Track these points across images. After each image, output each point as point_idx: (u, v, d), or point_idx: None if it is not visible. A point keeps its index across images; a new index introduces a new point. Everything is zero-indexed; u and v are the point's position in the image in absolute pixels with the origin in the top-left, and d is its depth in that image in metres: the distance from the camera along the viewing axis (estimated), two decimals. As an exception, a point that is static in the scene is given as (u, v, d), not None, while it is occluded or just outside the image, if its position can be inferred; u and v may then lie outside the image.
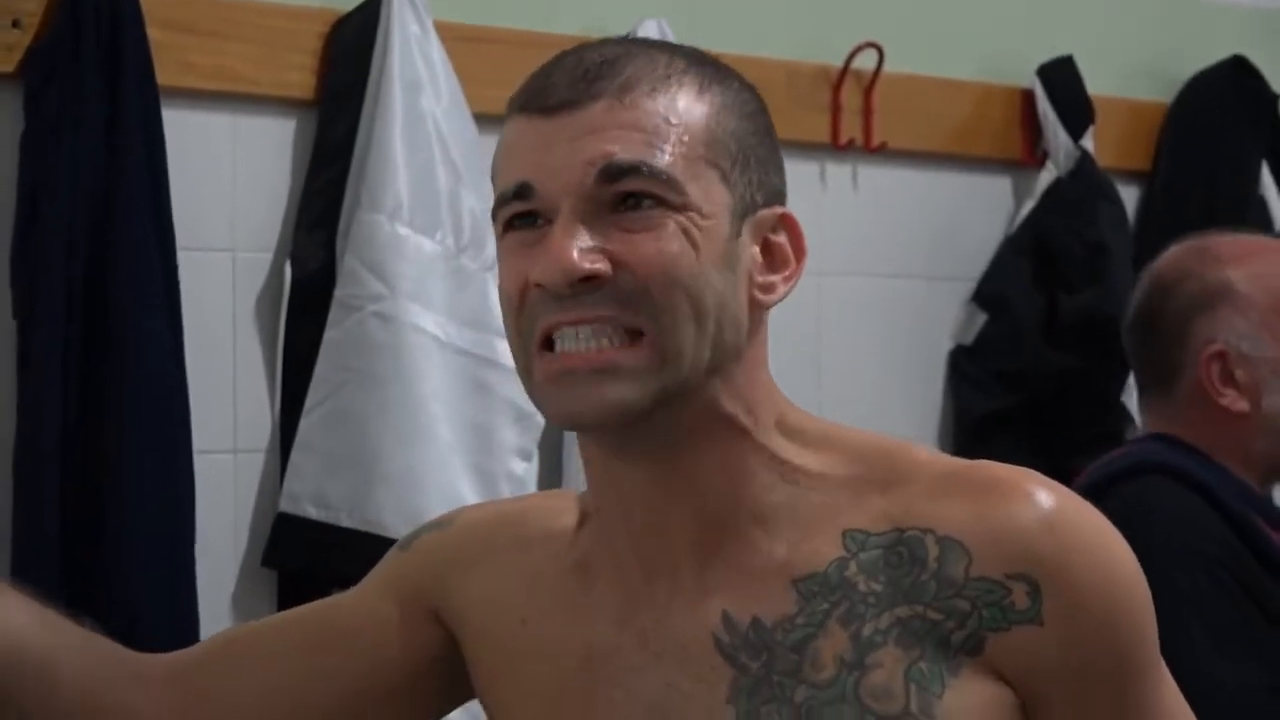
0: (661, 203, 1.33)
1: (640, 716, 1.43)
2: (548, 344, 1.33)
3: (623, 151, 1.33)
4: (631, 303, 1.33)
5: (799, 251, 1.43)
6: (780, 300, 1.42)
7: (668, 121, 1.35)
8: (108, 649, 1.58)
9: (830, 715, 1.37)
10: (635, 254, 1.33)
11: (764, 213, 1.40)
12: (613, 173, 1.32)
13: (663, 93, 1.35)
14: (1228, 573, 2.54)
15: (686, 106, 1.36)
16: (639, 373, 1.32)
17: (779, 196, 1.44)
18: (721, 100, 1.38)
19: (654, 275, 1.33)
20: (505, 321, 1.39)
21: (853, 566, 1.39)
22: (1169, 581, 2.41)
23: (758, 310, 1.41)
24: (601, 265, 1.31)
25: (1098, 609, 1.37)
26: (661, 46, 1.40)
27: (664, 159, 1.34)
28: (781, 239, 1.43)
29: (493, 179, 1.39)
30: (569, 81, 1.34)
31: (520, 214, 1.35)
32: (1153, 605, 1.42)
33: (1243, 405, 2.62)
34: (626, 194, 1.33)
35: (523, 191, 1.34)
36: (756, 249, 1.40)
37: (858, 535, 1.40)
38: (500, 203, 1.36)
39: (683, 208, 1.33)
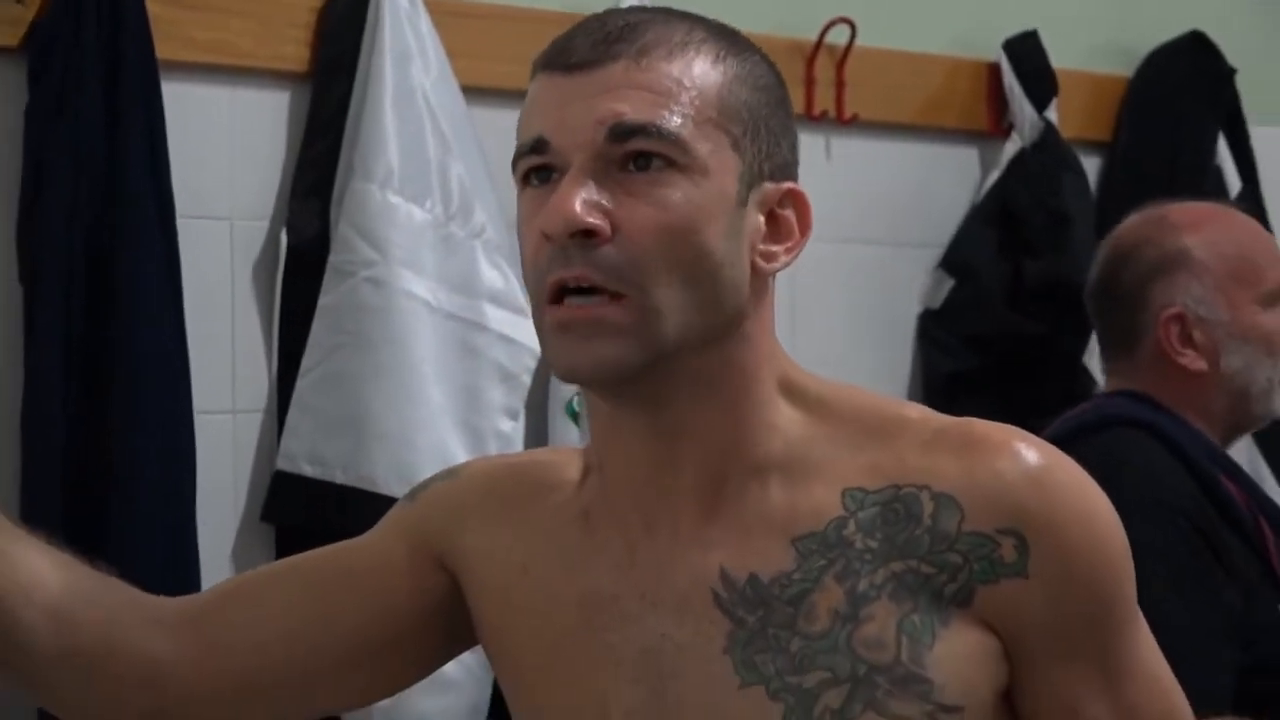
0: (671, 164, 1.34)
1: (634, 664, 1.45)
2: (556, 298, 1.34)
3: (633, 112, 1.34)
4: (617, 272, 1.33)
5: (804, 226, 1.44)
6: (780, 269, 1.43)
7: (681, 85, 1.36)
8: (125, 593, 1.59)
9: (823, 664, 1.39)
10: (632, 221, 1.34)
11: (770, 186, 1.41)
12: (622, 132, 1.34)
13: (679, 57, 1.37)
14: (1190, 524, 2.55)
15: (702, 72, 1.37)
16: (626, 330, 1.33)
17: (789, 170, 1.45)
18: (737, 70, 1.39)
19: (645, 245, 1.34)
20: (524, 277, 1.41)
21: (851, 525, 1.41)
22: (1140, 533, 2.51)
23: (759, 276, 1.42)
24: (600, 222, 1.32)
25: (1082, 563, 1.41)
26: (685, 16, 1.42)
27: (674, 121, 1.35)
28: (788, 212, 1.43)
29: (517, 134, 1.40)
30: (590, 43, 1.36)
31: (536, 167, 1.37)
32: (1131, 558, 1.47)
33: (1201, 365, 2.64)
34: (636, 153, 1.35)
35: (538, 146, 1.36)
36: (762, 218, 1.41)
37: (857, 494, 1.42)
38: (518, 155, 1.39)
39: (690, 169, 1.35)
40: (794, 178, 1.45)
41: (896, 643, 1.38)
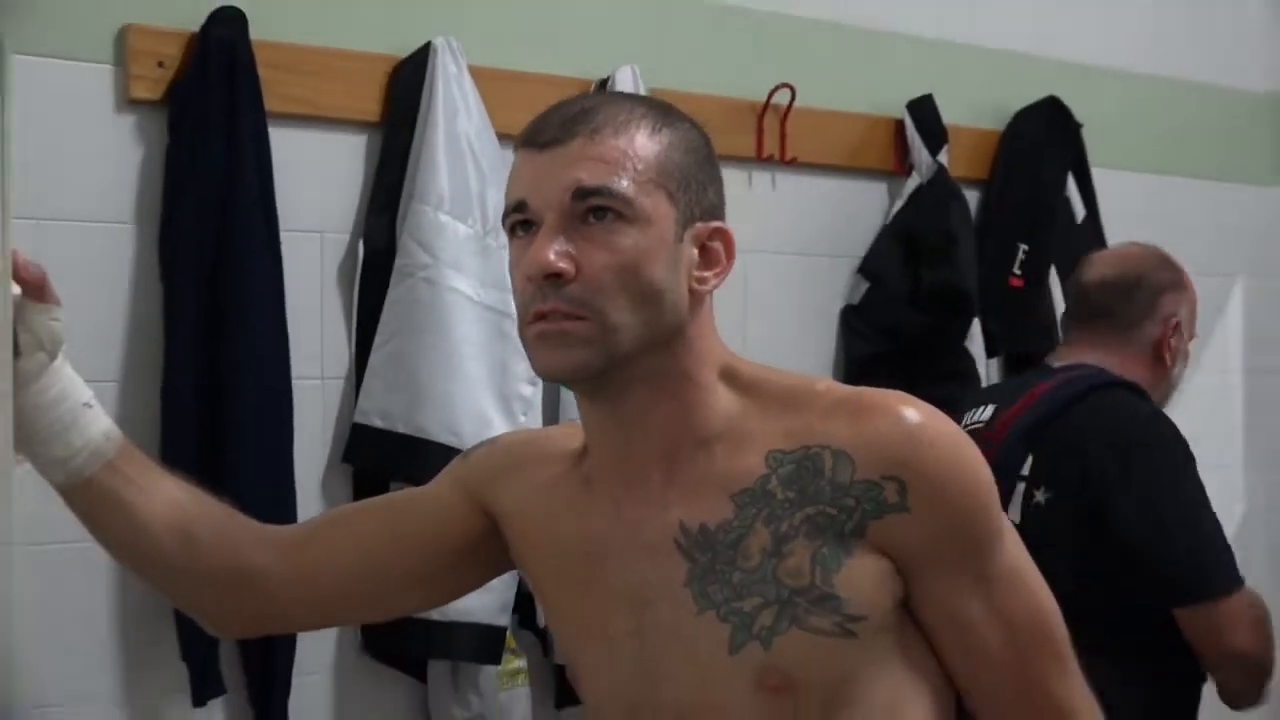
0: (620, 216, 1.37)
1: (623, 595, 1.48)
2: (536, 320, 1.38)
3: (590, 178, 1.37)
4: (580, 302, 1.36)
5: (729, 255, 1.46)
6: (713, 289, 1.45)
7: (626, 154, 1.38)
8: (240, 519, 1.61)
9: (757, 591, 1.40)
10: (592, 263, 1.37)
11: (701, 225, 1.43)
12: (582, 193, 1.37)
13: (624, 133, 1.39)
14: (1189, 454, 2.59)
15: (642, 143, 1.39)
16: (588, 340, 1.36)
17: (716, 211, 1.46)
18: (670, 138, 1.42)
19: (602, 280, 1.37)
20: (515, 303, 1.44)
21: (773, 480, 1.42)
22: (1168, 429, 2.60)
23: (696, 295, 1.43)
24: (567, 266, 1.36)
25: (950, 498, 1.41)
26: (630, 98, 1.51)
27: (622, 183, 1.37)
28: (716, 244, 1.44)
29: (505, 197, 1.43)
30: (556, 125, 1.40)
31: (519, 222, 1.40)
32: (995, 488, 1.46)
33: (1169, 362, 2.69)
34: (593, 208, 1.37)
35: (520, 207, 1.40)
36: (695, 251, 1.42)
37: (777, 455, 1.42)
38: (506, 213, 1.42)
39: (635, 219, 1.37)
40: (721, 217, 1.48)
41: (812, 571, 1.39)
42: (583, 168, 1.38)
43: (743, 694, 1.39)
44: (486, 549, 1.61)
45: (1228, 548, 2.52)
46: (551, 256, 1.36)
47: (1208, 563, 2.50)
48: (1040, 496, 2.55)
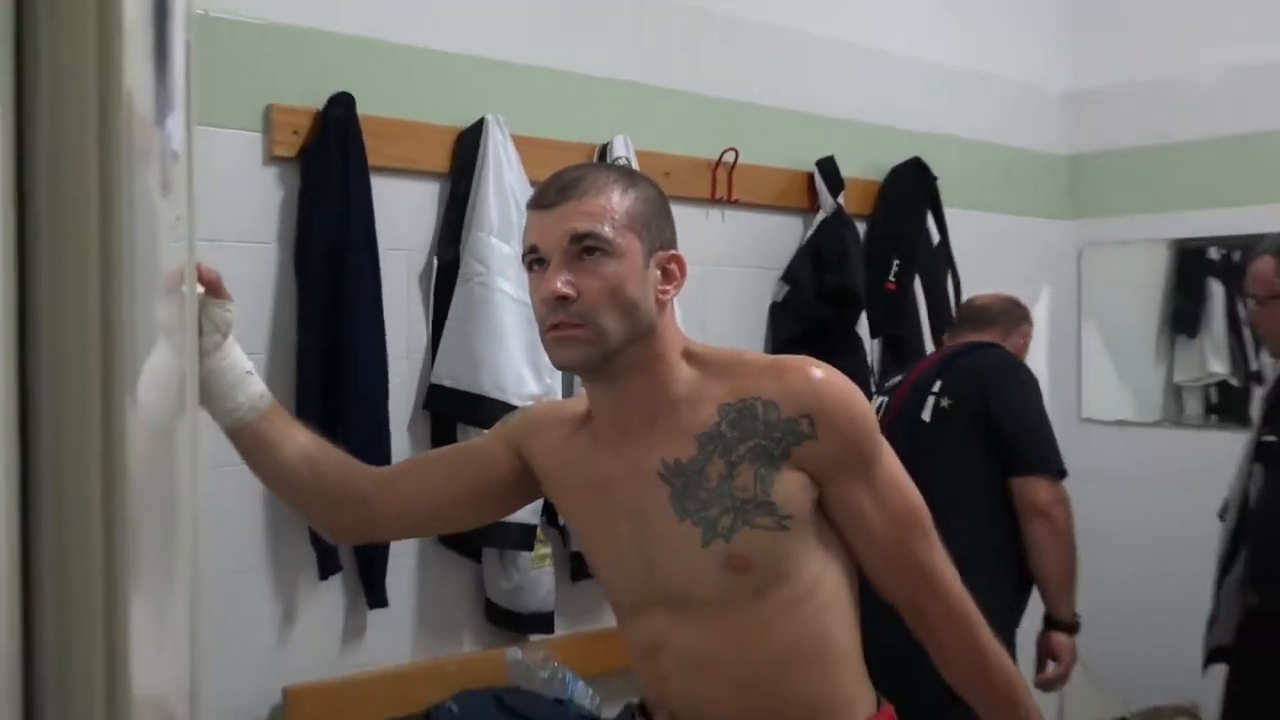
0: (605, 253, 1.41)
1: (624, 511, 1.52)
2: (551, 329, 1.42)
3: (582, 226, 1.41)
4: (581, 316, 1.40)
5: (682, 273, 1.50)
6: (672, 298, 1.49)
7: (605, 209, 1.41)
8: (353, 461, 1.65)
9: (717, 503, 1.45)
10: (587, 287, 1.40)
11: (661, 253, 1.46)
12: (577, 238, 1.41)
13: (603, 194, 1.42)
14: None
15: (616, 200, 1.42)
16: (587, 343, 1.41)
17: (671, 243, 1.49)
18: (635, 194, 1.44)
19: (595, 300, 1.40)
20: (535, 316, 1.47)
21: (724, 424, 1.46)
22: (1031, 379, 2.76)
23: (660, 304, 1.46)
24: (570, 291, 1.39)
25: (844, 428, 1.46)
26: (606, 167, 1.50)
27: (604, 229, 1.40)
28: (673, 266, 1.48)
29: (522, 242, 1.47)
30: (554, 191, 1.43)
31: (534, 260, 1.43)
32: (875, 421, 1.51)
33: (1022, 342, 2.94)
34: (585, 248, 1.40)
35: (533, 249, 1.43)
36: (658, 272, 1.46)
37: (725, 407, 1.47)
38: (524, 254, 1.45)
39: (615, 254, 1.41)
40: (674, 246, 1.50)
41: (755, 486, 1.44)
42: (576, 220, 1.40)
43: (714, 573, 1.43)
44: (523, 484, 1.65)
45: (1057, 449, 2.66)
46: (559, 285, 1.39)
47: (1043, 451, 2.65)
48: (945, 403, 2.69)
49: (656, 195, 1.49)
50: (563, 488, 1.61)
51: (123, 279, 0.63)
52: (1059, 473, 2.65)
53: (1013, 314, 2.94)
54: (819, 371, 1.46)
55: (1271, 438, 2.63)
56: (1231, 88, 3.76)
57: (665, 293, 1.47)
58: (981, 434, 2.67)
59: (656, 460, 1.46)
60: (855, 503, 1.46)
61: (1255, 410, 2.86)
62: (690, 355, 1.50)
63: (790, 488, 1.43)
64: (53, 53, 0.60)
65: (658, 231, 1.46)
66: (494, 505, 1.70)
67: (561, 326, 1.41)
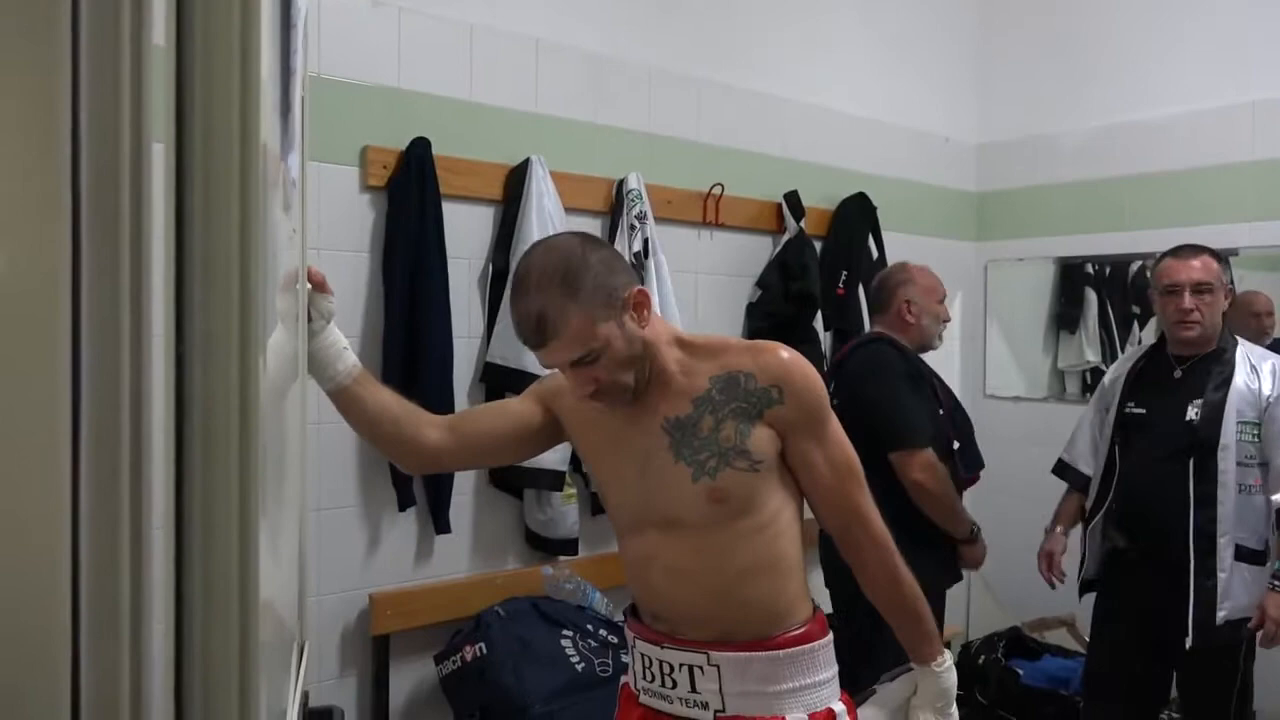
0: (596, 356, 1.39)
1: (635, 457, 1.50)
2: (591, 398, 1.45)
3: (570, 356, 1.38)
4: (607, 387, 1.42)
5: (646, 301, 1.42)
6: (648, 322, 1.43)
7: (575, 334, 1.36)
8: (423, 411, 1.61)
9: (707, 450, 1.44)
10: (600, 374, 1.40)
11: (623, 302, 1.40)
12: (571, 364, 1.40)
13: (565, 324, 1.35)
14: (905, 372, 2.59)
15: (575, 317, 1.35)
16: (619, 392, 1.43)
17: (628, 285, 1.41)
18: (580, 292, 1.36)
19: (609, 377, 1.41)
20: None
21: (714, 390, 1.46)
22: (894, 369, 2.58)
23: (644, 328, 1.42)
24: (591, 386, 1.41)
25: (803, 397, 1.45)
26: (547, 285, 1.37)
27: (584, 349, 1.37)
28: (638, 302, 1.41)
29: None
30: (532, 335, 1.38)
31: (557, 366, 1.43)
32: (826, 393, 1.48)
33: (910, 321, 2.70)
34: (580, 360, 1.39)
35: (553, 367, 1.45)
36: (630, 313, 1.41)
37: (715, 378, 1.47)
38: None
39: (599, 349, 1.38)
40: (627, 285, 1.41)
41: (736, 437, 1.43)
42: (562, 354, 1.38)
43: (699, 503, 1.44)
44: (552, 430, 1.62)
45: (922, 425, 2.49)
46: (584, 390, 1.42)
47: (900, 430, 2.49)
48: (835, 403, 2.53)
49: (592, 266, 1.38)
50: (584, 436, 1.59)
51: (256, 277, 0.62)
52: (917, 444, 2.48)
53: (884, 289, 2.74)
54: (786, 353, 1.46)
55: (1139, 410, 2.61)
56: (1098, 142, 3.77)
57: (644, 322, 1.43)
58: (860, 426, 2.54)
59: (661, 418, 1.46)
60: (808, 454, 1.46)
61: (1112, 386, 2.75)
62: (681, 342, 1.50)
63: (762, 440, 1.43)
64: (204, 107, 0.60)
65: (610, 294, 1.39)
66: (530, 446, 1.66)
67: (599, 395, 1.44)
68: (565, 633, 2.43)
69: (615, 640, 2.47)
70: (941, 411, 2.61)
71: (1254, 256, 3.43)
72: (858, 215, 3.42)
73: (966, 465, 2.66)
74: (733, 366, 1.45)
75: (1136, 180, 3.67)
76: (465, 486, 2.62)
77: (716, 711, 1.46)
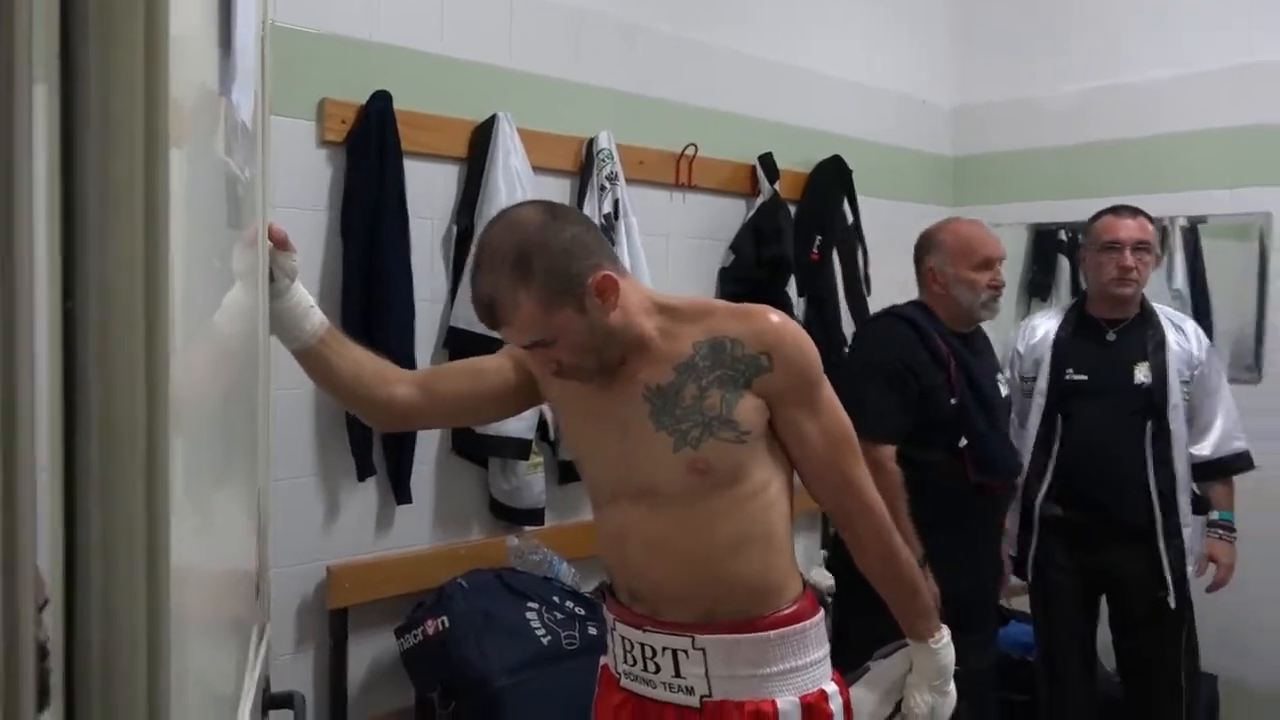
0: (551, 340, 1.34)
1: (613, 423, 1.44)
2: (555, 375, 1.41)
3: (524, 340, 1.35)
4: (571, 367, 1.38)
5: (613, 286, 1.35)
6: (616, 306, 1.35)
7: (527, 321, 1.31)
8: (394, 368, 1.54)
9: (690, 419, 1.38)
10: (559, 356, 1.36)
11: (588, 288, 1.32)
12: (527, 347, 1.36)
13: (518, 309, 1.30)
14: (895, 358, 2.35)
15: (528, 304, 1.30)
16: (585, 374, 1.40)
17: (592, 268, 1.33)
18: (534, 277, 1.30)
19: (570, 360, 1.36)
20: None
21: (697, 356, 1.39)
22: (873, 356, 2.40)
23: (613, 310, 1.35)
24: (554, 366, 1.38)
25: (794, 363, 1.39)
26: (499, 269, 1.31)
27: (538, 335, 1.33)
28: (604, 286, 1.34)
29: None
30: (486, 317, 1.35)
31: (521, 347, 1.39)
32: (819, 359, 1.42)
33: (938, 292, 2.45)
34: (535, 344, 1.35)
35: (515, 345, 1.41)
36: (595, 298, 1.33)
37: (698, 343, 1.40)
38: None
39: (555, 336, 1.33)
40: (598, 268, 1.34)
41: (721, 406, 1.37)
42: (517, 338, 1.35)
43: (679, 473, 1.38)
44: (530, 391, 1.56)
45: (885, 416, 2.31)
46: (544, 369, 1.40)
47: (863, 418, 2.30)
48: None
49: (550, 250, 1.31)
50: (560, 401, 1.54)
51: (162, 220, 0.54)
52: (862, 433, 2.38)
53: (915, 256, 2.55)
54: (776, 317, 1.40)
55: (1080, 376, 2.57)
56: (1076, 107, 3.73)
57: (611, 304, 1.35)
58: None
59: (641, 385, 1.41)
60: (800, 424, 1.41)
61: (1031, 355, 2.70)
62: (662, 308, 1.43)
63: (749, 409, 1.37)
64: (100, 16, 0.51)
65: (567, 281, 1.31)
66: (506, 406, 1.61)
67: (562, 374, 1.40)
68: (531, 605, 2.37)
69: (582, 612, 2.42)
70: (954, 401, 2.34)
71: (1224, 225, 3.41)
72: (833, 179, 3.35)
73: (981, 467, 2.34)
74: (718, 331, 1.39)
75: (1113, 146, 3.64)
76: (427, 455, 2.55)
77: (703, 696, 1.41)
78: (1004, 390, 2.48)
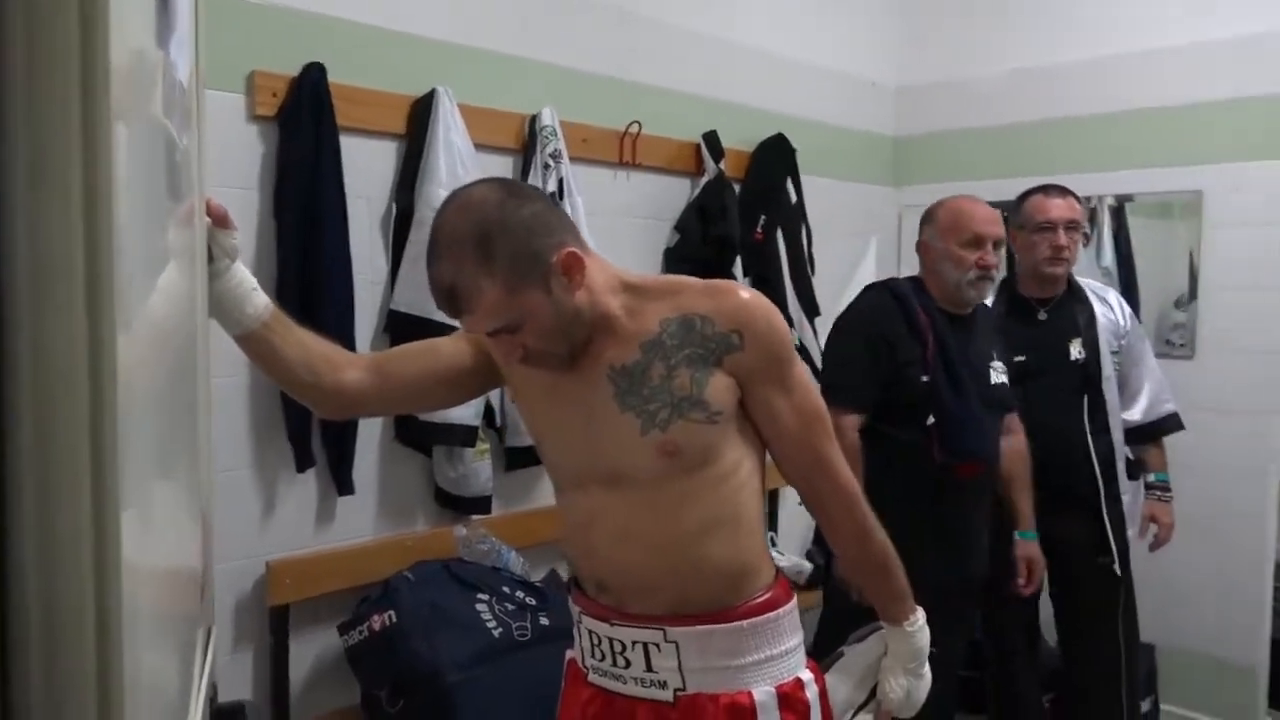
0: (517, 326, 1.28)
1: (576, 406, 1.38)
2: (521, 363, 1.34)
3: (487, 328, 1.28)
4: (539, 354, 1.32)
5: (578, 263, 1.29)
6: (581, 285, 1.30)
7: (490, 306, 1.25)
8: (344, 352, 1.48)
9: (658, 399, 1.32)
10: (526, 342, 1.30)
11: (552, 267, 1.27)
12: (491, 334, 1.30)
13: (479, 293, 1.24)
14: (874, 331, 2.33)
15: (494, 293, 1.24)
16: (555, 360, 1.34)
17: (555, 246, 1.27)
18: (497, 260, 1.23)
19: (537, 346, 1.31)
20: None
21: (665, 334, 1.34)
22: (854, 328, 2.38)
23: (579, 289, 1.30)
24: (519, 354, 1.32)
25: (765, 342, 1.34)
26: (459, 249, 1.25)
27: (502, 320, 1.27)
28: (569, 263, 1.28)
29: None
30: (446, 304, 1.28)
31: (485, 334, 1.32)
32: (789, 337, 1.38)
33: (929, 267, 2.39)
34: (500, 331, 1.28)
35: (476, 331, 1.33)
36: (562, 277, 1.28)
37: (666, 320, 1.35)
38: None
39: (520, 319, 1.27)
40: (562, 246, 1.28)
41: (691, 385, 1.32)
42: (479, 326, 1.28)
43: (647, 456, 1.33)
44: (488, 374, 1.50)
45: (855, 386, 2.31)
46: (507, 358, 1.34)
47: (833, 386, 2.28)
48: None
49: (511, 229, 1.25)
50: (519, 383, 1.47)
51: (104, 183, 0.47)
52: (832, 400, 2.16)
53: (921, 226, 2.46)
54: (746, 293, 1.36)
55: (1022, 358, 2.57)
56: (1012, 87, 3.76)
57: (577, 284, 1.30)
58: None
59: (605, 365, 1.35)
60: (772, 403, 1.36)
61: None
62: (627, 286, 1.38)
63: (720, 389, 1.32)
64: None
65: (532, 260, 1.26)
66: (462, 390, 1.54)
67: (528, 362, 1.34)
68: (480, 596, 2.31)
69: (533, 602, 2.36)
70: (926, 379, 2.28)
71: (1150, 203, 3.47)
72: (776, 158, 3.32)
73: (947, 448, 2.28)
74: (687, 309, 1.33)
75: (1047, 125, 3.67)
76: (370, 444, 2.46)
77: (676, 690, 1.36)
78: (999, 378, 2.39)
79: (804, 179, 3.37)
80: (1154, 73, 3.43)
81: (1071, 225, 2.62)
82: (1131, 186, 3.50)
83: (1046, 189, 2.71)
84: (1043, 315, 2.66)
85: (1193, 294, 3.35)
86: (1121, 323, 2.71)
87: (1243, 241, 3.24)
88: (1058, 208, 2.63)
